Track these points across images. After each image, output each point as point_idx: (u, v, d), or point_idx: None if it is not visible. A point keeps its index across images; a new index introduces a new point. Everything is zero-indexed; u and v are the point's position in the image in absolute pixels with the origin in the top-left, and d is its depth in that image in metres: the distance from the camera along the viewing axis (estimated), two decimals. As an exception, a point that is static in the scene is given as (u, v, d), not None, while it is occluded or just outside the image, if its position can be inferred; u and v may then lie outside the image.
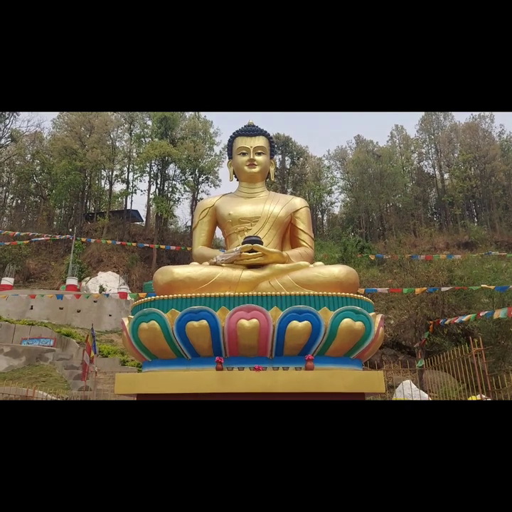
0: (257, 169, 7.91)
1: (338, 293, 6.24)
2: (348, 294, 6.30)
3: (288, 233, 7.93)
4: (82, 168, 42.25)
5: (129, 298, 23.84)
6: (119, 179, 47.77)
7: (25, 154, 48.57)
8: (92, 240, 29.01)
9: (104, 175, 48.88)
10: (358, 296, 6.47)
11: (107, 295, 20.69)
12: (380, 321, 6.49)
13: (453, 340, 15.97)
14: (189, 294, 6.22)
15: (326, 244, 30.78)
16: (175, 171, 45.03)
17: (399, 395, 13.14)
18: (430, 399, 12.82)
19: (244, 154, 7.94)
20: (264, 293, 6.21)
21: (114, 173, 47.53)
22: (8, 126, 47.29)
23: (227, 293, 6.21)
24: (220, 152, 44.93)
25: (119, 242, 28.68)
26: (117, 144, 47.01)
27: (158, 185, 45.57)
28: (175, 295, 6.28)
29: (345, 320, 6.01)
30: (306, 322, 5.90)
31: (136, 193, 47.12)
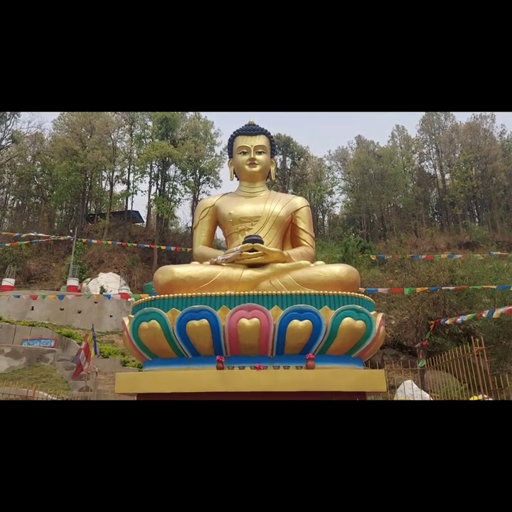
0: (257, 168, 7.88)
1: (339, 292, 6.23)
2: (349, 292, 6.28)
3: (289, 232, 7.91)
4: (82, 169, 42.29)
5: (130, 299, 23.86)
6: (120, 180, 47.86)
7: (26, 155, 48.66)
8: (93, 241, 29.03)
9: (105, 176, 48.95)
10: (359, 295, 6.44)
11: (109, 297, 20.68)
12: (381, 320, 6.47)
13: (454, 341, 15.94)
14: (190, 294, 6.21)
15: (327, 244, 30.78)
16: (175, 171, 45.09)
17: (400, 395, 13.10)
18: (432, 399, 12.78)
19: (244, 153, 7.92)
20: (264, 292, 6.19)
21: (115, 174, 47.60)
22: (9, 128, 47.43)
23: (227, 292, 6.19)
24: (221, 153, 44.95)
25: (120, 243, 28.68)
26: (118, 144, 47.11)
27: (159, 186, 45.62)
28: (175, 294, 6.27)
29: (346, 319, 5.99)
30: (307, 321, 5.88)
31: (136, 193, 47.20)
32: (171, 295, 6.25)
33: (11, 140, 46.81)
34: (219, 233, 8.53)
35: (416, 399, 11.40)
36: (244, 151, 7.93)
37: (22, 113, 46.91)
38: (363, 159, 49.85)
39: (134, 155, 45.56)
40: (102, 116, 45.49)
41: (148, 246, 31.89)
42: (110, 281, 29.92)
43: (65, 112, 46.85)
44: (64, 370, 16.77)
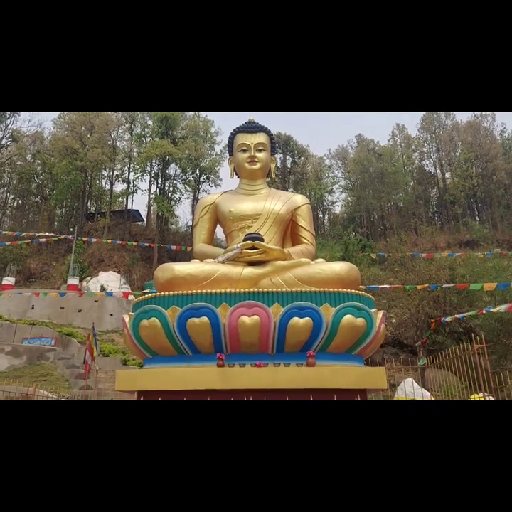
0: (257, 166, 7.87)
1: (340, 289, 6.22)
2: (349, 290, 6.27)
3: (289, 230, 7.90)
4: (82, 168, 42.26)
5: (130, 297, 23.86)
6: (120, 179, 47.80)
7: (26, 154, 48.62)
8: (93, 240, 29.01)
9: (105, 175, 48.93)
10: (360, 292, 6.44)
11: (111, 294, 20.67)
12: (381, 317, 6.46)
13: (455, 339, 15.93)
14: (190, 291, 6.21)
15: (327, 243, 30.77)
16: (176, 170, 45.05)
17: (401, 394, 13.10)
18: (432, 397, 12.78)
19: (244, 151, 7.90)
20: (265, 289, 6.18)
21: (115, 172, 47.57)
22: (9, 127, 47.39)
23: (228, 290, 6.19)
24: (221, 151, 44.91)
25: (120, 242, 28.67)
26: (118, 143, 47.05)
27: (159, 185, 45.60)
28: (175, 292, 6.27)
29: (347, 316, 5.98)
30: (307, 318, 5.88)
31: (136, 192, 47.16)
32: (171, 293, 6.24)
33: (10, 139, 46.78)
34: (219, 232, 8.53)
35: (416, 397, 11.39)
36: (245, 148, 7.92)
37: (22, 112, 46.88)
38: (363, 158, 49.80)
39: (134, 154, 45.52)
40: (102, 115, 45.44)
41: (148, 245, 31.87)
42: (110, 280, 29.93)
43: (65, 111, 46.79)
44: (64, 368, 16.78)
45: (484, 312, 11.28)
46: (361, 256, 23.69)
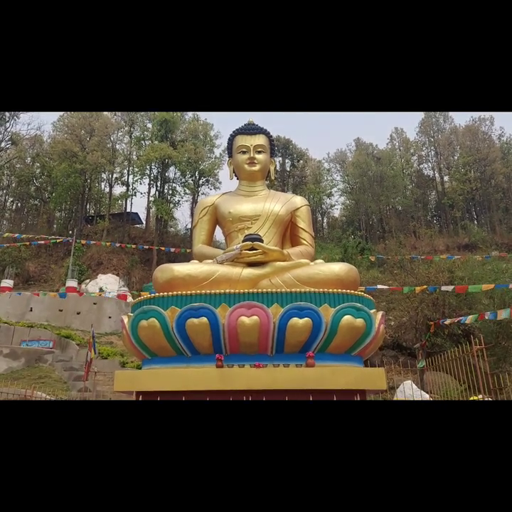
0: (257, 167, 7.89)
1: (339, 290, 6.22)
2: (348, 291, 6.27)
3: (288, 232, 7.91)
4: (82, 171, 42.27)
5: (129, 300, 23.83)
6: (119, 182, 47.77)
7: (25, 157, 48.62)
8: (92, 242, 28.99)
9: (104, 177, 48.93)
10: (359, 293, 6.44)
11: (110, 293, 20.65)
12: (381, 318, 6.46)
13: (454, 341, 15.92)
14: (189, 292, 6.20)
15: (326, 246, 30.79)
16: (175, 173, 45.03)
17: (400, 396, 13.07)
18: (432, 400, 12.75)
19: (244, 152, 7.92)
20: (264, 290, 6.18)
21: (114, 175, 47.56)
22: (9, 130, 47.40)
23: (227, 290, 6.18)
24: (221, 154, 44.95)
25: (119, 245, 28.65)
26: (117, 146, 47.07)
27: (159, 188, 45.59)
28: (175, 292, 6.26)
29: (346, 317, 5.98)
30: (306, 319, 5.87)
31: (136, 195, 47.11)
32: (171, 293, 6.24)
33: (10, 142, 46.79)
34: (218, 235, 8.53)
35: (416, 400, 11.37)
36: (244, 150, 7.93)
37: (21, 115, 46.94)
38: (361, 161, 49.90)
39: (134, 157, 45.55)
40: (102, 118, 45.53)
41: (147, 247, 31.84)
42: (109, 283, 29.89)
43: (65, 114, 46.86)
44: (63, 370, 16.72)
45: (486, 317, 11.27)
46: (360, 258, 23.70)
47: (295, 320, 5.88)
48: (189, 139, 44.14)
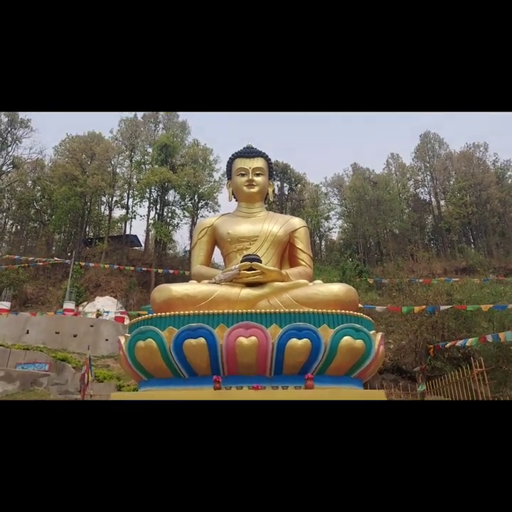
0: (255, 189, 7.99)
1: (338, 310, 6.20)
2: (347, 311, 6.25)
3: (287, 253, 7.94)
4: (82, 194, 42.66)
5: (126, 322, 23.64)
6: (119, 205, 48.23)
7: (26, 181, 49.14)
8: (91, 264, 28.99)
9: (104, 200, 49.36)
10: (358, 314, 6.42)
11: (108, 313, 20.50)
12: (380, 339, 6.42)
13: (454, 365, 15.77)
14: (186, 312, 6.17)
15: (324, 268, 30.83)
16: (174, 196, 45.51)
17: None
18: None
19: (243, 175, 8.04)
20: (263, 310, 6.15)
21: (114, 198, 48.02)
22: (11, 154, 48.10)
23: (225, 310, 6.16)
24: (220, 178, 45.59)
25: (117, 266, 28.63)
26: (118, 170, 47.67)
27: (158, 211, 45.95)
28: (172, 312, 6.23)
29: (346, 338, 5.94)
30: (305, 340, 5.83)
31: (135, 218, 47.50)
32: (168, 313, 6.20)
33: (11, 165, 47.37)
34: (217, 257, 8.56)
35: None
36: (243, 172, 8.06)
37: (23, 139, 47.68)
38: (358, 185, 50.56)
39: (134, 180, 46.08)
40: (103, 142, 46.30)
41: (145, 269, 31.83)
42: (107, 305, 29.69)
43: (66, 138, 47.63)
44: (58, 394, 16.44)
45: (488, 340, 11.20)
46: (358, 281, 23.70)
47: (294, 341, 5.84)
48: (189, 164, 44.78)
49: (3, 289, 31.35)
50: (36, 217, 50.28)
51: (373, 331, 6.41)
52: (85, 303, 31.23)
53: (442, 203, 55.10)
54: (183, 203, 45.44)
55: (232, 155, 8.39)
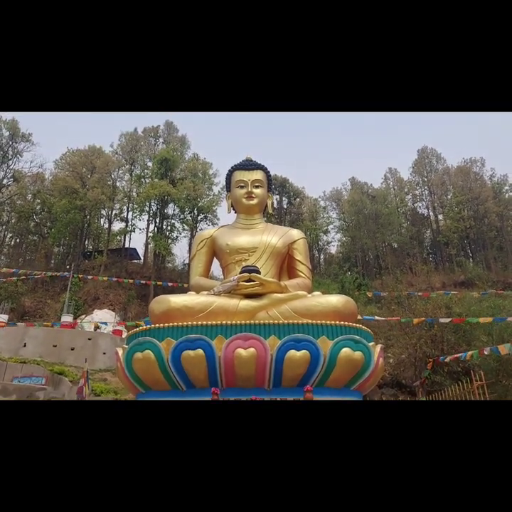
0: (254, 201, 8.04)
1: (337, 322, 6.19)
2: (346, 323, 6.24)
3: (285, 264, 7.95)
4: (82, 207, 42.79)
5: (124, 335, 23.49)
6: (119, 218, 48.34)
7: (26, 194, 49.31)
8: (89, 277, 28.91)
9: (104, 214, 49.47)
10: (357, 325, 6.40)
11: (106, 324, 20.38)
12: (379, 351, 6.39)
13: (454, 379, 15.63)
14: (185, 323, 6.15)
15: (323, 281, 30.79)
16: (174, 210, 45.64)
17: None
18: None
19: (242, 187, 8.10)
20: (261, 321, 6.13)
21: (114, 211, 48.15)
22: (11, 167, 48.35)
23: (223, 322, 6.14)
24: (219, 192, 45.84)
25: (116, 279, 28.56)
26: (118, 183, 47.89)
27: (157, 224, 46.05)
28: (170, 324, 6.20)
29: (345, 349, 5.91)
30: (304, 351, 5.80)
31: (134, 231, 47.60)
32: (166, 324, 6.18)
33: (12, 179, 47.61)
34: (215, 270, 8.55)
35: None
36: (242, 184, 8.12)
37: (24, 153, 47.99)
38: (357, 200, 50.85)
39: (134, 194, 46.30)
40: (103, 156, 46.65)
41: (143, 282, 31.75)
42: (105, 319, 29.53)
43: (67, 152, 47.98)
44: (53, 409, 16.23)
45: (486, 353, 11.14)
46: (357, 294, 23.65)
47: (293, 352, 5.81)
48: (188, 177, 45.07)
49: (1, 301, 31.21)
50: (36, 230, 50.33)
51: (372, 343, 6.39)
52: (83, 316, 31.07)
53: (440, 217, 55.37)
54: (182, 216, 45.58)
55: (232, 167, 8.46)
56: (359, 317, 7.46)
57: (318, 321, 6.17)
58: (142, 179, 46.38)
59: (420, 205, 57.25)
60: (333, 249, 57.64)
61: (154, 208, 45.30)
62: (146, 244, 47.26)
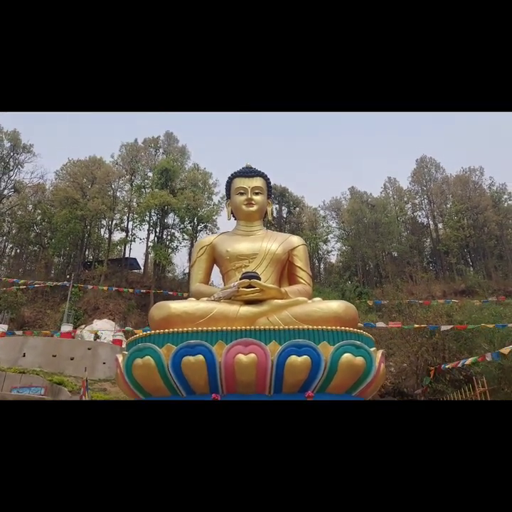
0: (254, 208, 8.06)
1: (338, 327, 6.16)
2: (347, 328, 6.21)
3: (286, 271, 7.95)
4: (82, 217, 42.97)
5: (124, 345, 23.38)
6: (119, 228, 48.51)
7: (27, 204, 49.51)
8: (89, 286, 28.89)
9: (104, 224, 49.65)
10: (358, 331, 6.37)
11: (106, 331, 20.30)
12: (380, 356, 6.35)
13: (456, 387, 15.54)
14: (185, 329, 6.12)
15: (323, 290, 30.77)
16: (174, 219, 45.85)
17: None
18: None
19: (242, 194, 8.13)
20: (262, 327, 6.11)
21: (114, 221, 48.33)
22: (12, 178, 48.64)
23: (224, 327, 6.11)
24: (219, 201, 46.08)
25: (116, 288, 28.55)
26: (118, 194, 48.14)
27: (157, 234, 46.21)
28: (170, 330, 6.18)
29: (346, 355, 5.88)
30: (305, 357, 5.76)
31: (135, 241, 47.72)
32: (166, 330, 6.15)
33: (13, 190, 47.83)
34: (215, 278, 8.54)
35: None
36: (242, 191, 8.14)
37: (26, 164, 48.28)
38: (356, 208, 51.02)
39: (134, 204, 46.47)
40: (104, 166, 46.93)
41: (143, 291, 31.71)
42: (105, 328, 29.44)
43: (68, 163, 48.26)
44: (52, 419, 16.10)
45: (488, 359, 11.07)
46: (358, 302, 23.61)
47: (293, 358, 5.77)
48: (188, 187, 45.27)
49: (0, 311, 31.13)
50: (36, 240, 50.42)
51: (374, 348, 6.36)
52: (83, 326, 30.96)
53: (440, 225, 55.48)
54: (182, 225, 45.72)
55: (231, 174, 8.50)
56: (360, 324, 7.44)
57: (319, 327, 6.14)
58: (142, 189, 46.60)
59: (420, 214, 57.42)
60: (333, 258, 57.67)
61: (154, 218, 45.43)
62: (146, 254, 47.30)
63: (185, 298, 8.13)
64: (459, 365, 12.75)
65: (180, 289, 34.92)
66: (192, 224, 45.65)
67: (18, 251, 52.18)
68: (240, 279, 6.83)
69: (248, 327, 6.12)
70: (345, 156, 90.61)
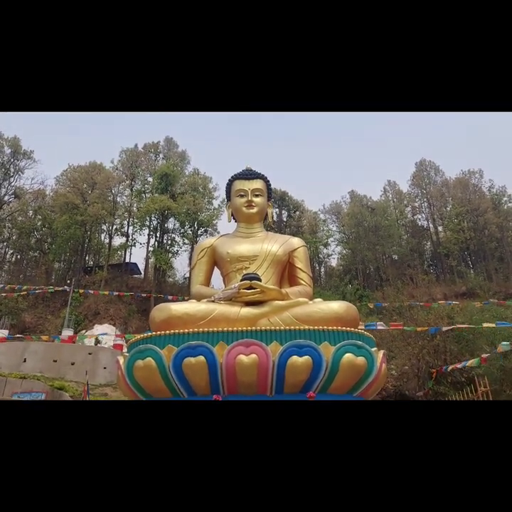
0: (255, 210, 8.09)
1: (339, 328, 6.16)
2: (348, 328, 6.21)
3: (286, 272, 7.96)
4: (82, 223, 43.05)
5: (125, 350, 23.35)
6: (119, 233, 48.63)
7: (27, 210, 49.61)
8: (90, 292, 28.91)
9: (105, 229, 49.71)
10: (359, 331, 6.38)
11: (105, 334, 20.27)
12: (382, 357, 6.35)
13: (457, 389, 15.49)
14: (186, 330, 6.13)
15: (324, 293, 30.75)
16: (174, 224, 45.96)
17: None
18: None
19: (242, 196, 8.15)
20: (263, 328, 6.12)
21: (114, 226, 48.42)
22: (13, 184, 48.78)
23: (225, 328, 6.12)
24: (219, 206, 46.20)
25: (117, 293, 28.55)
26: (118, 199, 48.28)
27: (158, 238, 46.26)
28: (171, 331, 6.19)
29: (347, 355, 5.87)
30: (306, 357, 5.76)
31: (135, 246, 47.79)
32: (167, 332, 6.16)
33: (13, 196, 47.95)
34: (216, 280, 8.55)
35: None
36: (242, 194, 8.17)
37: (26, 170, 48.45)
38: (356, 212, 51.11)
39: (134, 209, 46.57)
40: (104, 171, 47.07)
41: (144, 295, 31.70)
42: (105, 332, 29.40)
43: (68, 168, 48.41)
44: (53, 424, 16.05)
45: (485, 355, 11.07)
46: (359, 305, 23.59)
47: (295, 358, 5.77)
48: (188, 192, 45.39)
49: (1, 317, 31.12)
50: (36, 246, 50.47)
51: (375, 349, 6.35)
52: (84, 331, 30.94)
53: (440, 228, 55.52)
54: (182, 230, 45.80)
55: (232, 177, 8.53)
56: (361, 326, 7.44)
57: (320, 327, 6.14)
58: (142, 194, 46.72)
59: (420, 217, 57.50)
60: (333, 261, 57.70)
61: (155, 223, 45.52)
62: (147, 259, 47.35)
63: (186, 301, 8.15)
64: (460, 366, 12.72)
65: (181, 293, 34.90)
66: (192, 228, 45.72)
67: (19, 257, 52.23)
68: (241, 280, 6.84)
69: (249, 328, 6.13)
70: (345, 159, 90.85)
